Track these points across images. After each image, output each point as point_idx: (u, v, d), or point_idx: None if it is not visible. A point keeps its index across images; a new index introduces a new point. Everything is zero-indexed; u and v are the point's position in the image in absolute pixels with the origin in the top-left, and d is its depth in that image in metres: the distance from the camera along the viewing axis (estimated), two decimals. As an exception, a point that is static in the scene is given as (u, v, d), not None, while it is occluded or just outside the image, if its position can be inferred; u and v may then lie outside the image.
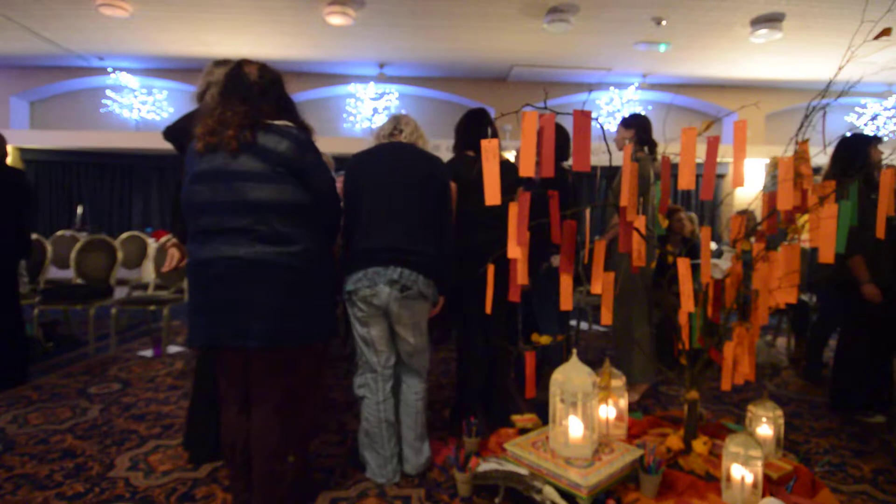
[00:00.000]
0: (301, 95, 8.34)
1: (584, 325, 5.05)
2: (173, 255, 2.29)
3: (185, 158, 1.86)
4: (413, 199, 2.19)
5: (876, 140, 3.03)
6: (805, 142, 1.96)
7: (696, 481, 2.02)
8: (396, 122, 2.34)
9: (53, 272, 5.26)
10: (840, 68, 2.00)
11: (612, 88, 8.75)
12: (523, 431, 2.38)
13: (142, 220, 8.93)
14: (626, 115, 3.34)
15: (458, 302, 2.55)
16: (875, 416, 2.98)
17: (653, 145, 3.23)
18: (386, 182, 2.19)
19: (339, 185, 6.31)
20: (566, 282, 1.99)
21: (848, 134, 3.02)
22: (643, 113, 3.39)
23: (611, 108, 8.90)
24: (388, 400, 2.23)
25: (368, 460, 2.24)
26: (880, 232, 1.94)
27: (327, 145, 6.54)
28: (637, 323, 3.18)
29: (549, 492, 1.92)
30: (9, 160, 3.50)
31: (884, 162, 3.02)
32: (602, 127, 1.89)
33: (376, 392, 2.21)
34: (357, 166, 2.26)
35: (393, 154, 2.26)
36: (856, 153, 2.92)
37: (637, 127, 3.21)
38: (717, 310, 2.21)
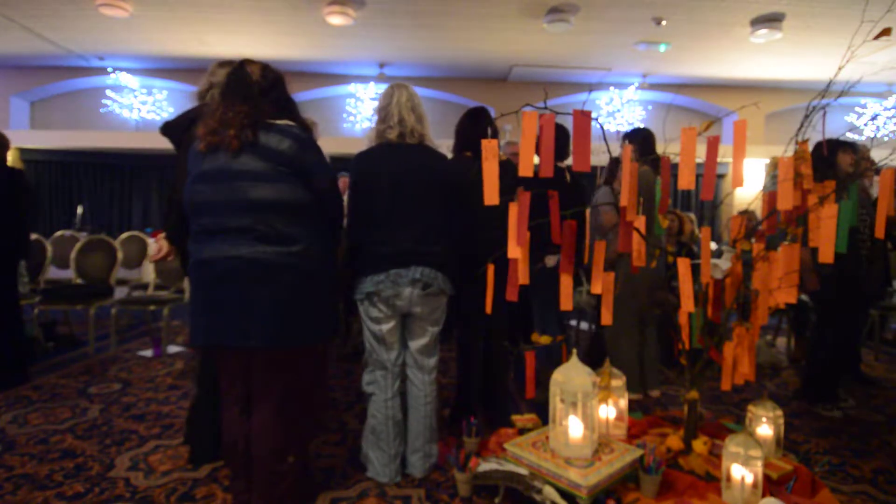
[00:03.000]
0: (301, 95, 8.34)
1: (584, 325, 5.05)
2: (162, 246, 2.29)
3: (182, 157, 1.86)
4: (427, 199, 2.20)
5: (847, 145, 3.03)
6: (805, 142, 1.96)
7: (696, 481, 2.02)
8: (402, 125, 2.23)
9: (53, 272, 5.25)
10: (840, 68, 2.00)
11: (612, 88, 8.75)
12: (523, 431, 2.37)
13: (142, 220, 8.93)
14: (629, 130, 3.36)
15: (458, 302, 2.55)
16: (833, 410, 3.05)
17: (655, 159, 3.24)
18: (401, 183, 2.17)
19: (342, 184, 6.28)
20: (566, 282, 1.99)
21: (849, 135, 3.04)
22: (645, 126, 3.41)
23: (611, 108, 8.90)
24: (397, 398, 2.25)
25: (372, 459, 2.24)
26: (879, 232, 1.93)
27: (327, 145, 6.54)
28: (626, 333, 3.20)
29: (549, 492, 1.92)
30: (9, 161, 3.50)
31: (883, 162, 3.02)
32: (602, 127, 1.89)
33: (385, 389, 2.23)
34: (366, 167, 2.22)
35: (404, 154, 2.22)
36: (825, 158, 2.94)
37: (640, 141, 3.23)
38: (717, 310, 2.21)
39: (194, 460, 2.35)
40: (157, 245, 2.31)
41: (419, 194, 2.19)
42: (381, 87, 8.45)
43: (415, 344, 2.27)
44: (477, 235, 2.50)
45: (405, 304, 2.17)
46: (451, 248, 2.27)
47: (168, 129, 2.33)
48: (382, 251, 2.14)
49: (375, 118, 2.29)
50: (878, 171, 3.28)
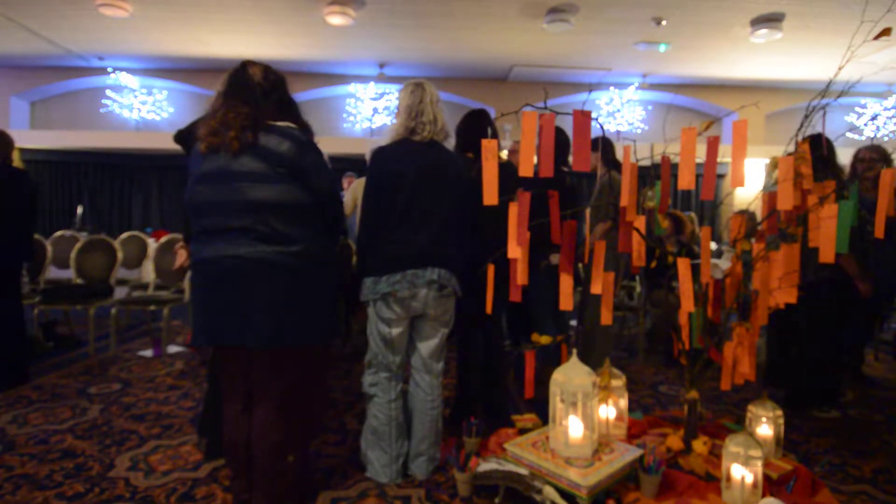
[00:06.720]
0: (301, 95, 8.33)
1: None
2: (181, 254, 2.46)
3: (190, 160, 1.87)
4: (445, 199, 2.19)
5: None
6: (805, 141, 1.96)
7: (696, 481, 2.02)
8: (434, 124, 2.20)
9: (53, 272, 5.26)
10: (840, 68, 2.00)
11: (612, 88, 8.75)
12: (523, 431, 2.37)
13: (142, 220, 8.93)
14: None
15: (458, 302, 2.56)
16: (831, 411, 3.03)
17: (618, 165, 3.27)
18: (423, 182, 2.14)
19: (345, 184, 6.22)
20: (566, 282, 1.99)
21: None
22: (604, 135, 3.44)
23: (611, 108, 8.90)
24: (399, 399, 2.25)
25: (372, 459, 2.24)
26: (879, 232, 1.93)
27: (327, 145, 6.54)
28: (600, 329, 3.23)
29: (549, 492, 1.91)
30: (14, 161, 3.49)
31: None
32: (602, 127, 1.89)
33: (388, 391, 2.22)
34: (389, 164, 2.17)
35: (429, 153, 2.18)
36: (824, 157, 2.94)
37: (602, 149, 3.25)
38: (717, 310, 2.21)
39: (210, 454, 2.36)
40: (177, 254, 2.48)
41: (438, 194, 2.18)
42: (381, 87, 8.54)
43: (424, 346, 2.26)
44: (478, 235, 2.51)
45: (420, 306, 2.16)
46: (462, 249, 2.27)
47: (180, 136, 2.38)
48: (399, 251, 2.13)
49: (402, 115, 2.21)
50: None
